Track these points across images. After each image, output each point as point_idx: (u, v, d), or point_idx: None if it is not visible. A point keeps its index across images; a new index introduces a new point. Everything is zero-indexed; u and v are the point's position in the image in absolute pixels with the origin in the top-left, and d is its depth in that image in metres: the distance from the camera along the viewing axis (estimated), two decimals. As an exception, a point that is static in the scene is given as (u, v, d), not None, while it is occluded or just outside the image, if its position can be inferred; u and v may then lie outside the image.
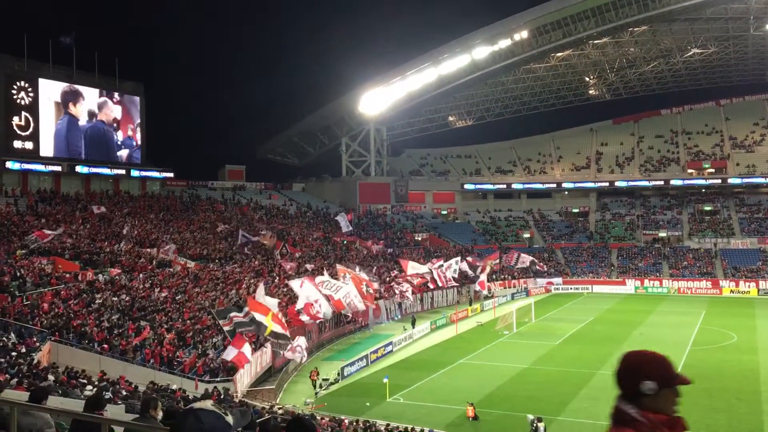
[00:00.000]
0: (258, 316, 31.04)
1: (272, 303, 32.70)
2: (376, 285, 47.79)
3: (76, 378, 21.55)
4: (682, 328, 46.24)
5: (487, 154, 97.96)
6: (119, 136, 61.94)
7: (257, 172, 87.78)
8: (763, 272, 68.21)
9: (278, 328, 31.38)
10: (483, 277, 59.14)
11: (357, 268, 45.94)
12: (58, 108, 56.43)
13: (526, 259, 67.37)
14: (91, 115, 59.22)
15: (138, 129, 63.38)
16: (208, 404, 3.29)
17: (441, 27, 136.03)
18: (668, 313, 54.97)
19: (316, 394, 29.43)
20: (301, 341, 32.49)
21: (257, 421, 6.96)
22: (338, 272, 44.12)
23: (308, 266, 49.94)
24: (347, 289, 39.79)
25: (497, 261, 67.42)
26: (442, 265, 56.73)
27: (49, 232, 39.17)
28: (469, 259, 63.60)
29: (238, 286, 41.50)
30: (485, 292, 60.57)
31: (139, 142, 63.62)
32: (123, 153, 62.33)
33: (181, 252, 46.88)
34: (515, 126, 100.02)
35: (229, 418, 3.23)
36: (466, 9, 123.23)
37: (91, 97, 59.14)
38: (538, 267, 70.34)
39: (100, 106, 59.98)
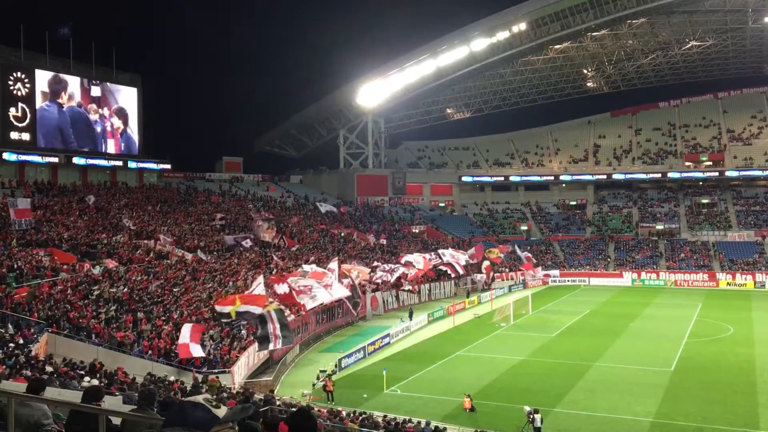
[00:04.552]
0: (255, 309, 30.97)
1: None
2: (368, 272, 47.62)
3: (74, 369, 21.55)
4: (678, 321, 46.39)
5: (485, 146, 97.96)
6: (115, 126, 61.72)
7: (255, 164, 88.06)
8: (759, 265, 68.34)
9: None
10: (485, 263, 59.06)
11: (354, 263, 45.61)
12: (46, 97, 56.06)
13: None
14: (85, 105, 58.97)
15: (135, 120, 63.15)
16: (199, 398, 3.30)
17: (439, 19, 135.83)
18: (665, 305, 55.10)
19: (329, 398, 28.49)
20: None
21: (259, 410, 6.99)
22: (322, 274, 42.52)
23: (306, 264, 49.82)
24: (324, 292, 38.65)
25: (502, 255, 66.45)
26: (453, 255, 56.19)
27: (23, 207, 38.30)
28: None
29: (236, 278, 41.51)
30: (487, 280, 60.28)
31: (136, 134, 63.43)
32: (119, 144, 62.13)
33: (178, 244, 46.84)
34: (513, 118, 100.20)
35: (219, 412, 3.23)
36: (464, 1, 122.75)
37: (84, 87, 58.90)
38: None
39: (95, 97, 59.72)
